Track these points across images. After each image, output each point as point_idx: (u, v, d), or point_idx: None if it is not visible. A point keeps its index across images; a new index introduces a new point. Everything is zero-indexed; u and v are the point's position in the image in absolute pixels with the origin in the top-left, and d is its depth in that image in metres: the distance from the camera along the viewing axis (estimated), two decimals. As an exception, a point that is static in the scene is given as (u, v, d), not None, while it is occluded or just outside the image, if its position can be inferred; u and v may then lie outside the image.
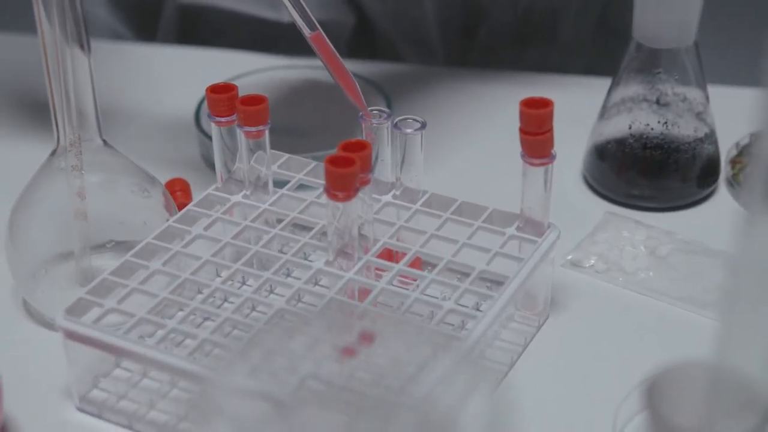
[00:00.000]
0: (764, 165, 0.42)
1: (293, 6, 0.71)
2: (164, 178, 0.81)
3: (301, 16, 0.71)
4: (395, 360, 0.48)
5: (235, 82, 0.90)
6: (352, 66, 0.93)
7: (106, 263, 0.69)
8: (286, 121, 0.88)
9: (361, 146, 0.64)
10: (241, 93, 0.70)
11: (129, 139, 0.87)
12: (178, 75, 0.98)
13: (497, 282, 0.67)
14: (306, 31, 0.71)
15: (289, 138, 0.87)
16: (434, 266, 0.67)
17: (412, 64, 1.02)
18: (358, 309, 0.62)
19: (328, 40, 0.71)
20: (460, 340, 0.60)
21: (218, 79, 0.89)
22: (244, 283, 0.72)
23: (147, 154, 0.84)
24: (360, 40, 1.05)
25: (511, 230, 0.68)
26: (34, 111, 0.90)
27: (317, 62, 0.74)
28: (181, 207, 0.72)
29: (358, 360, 0.48)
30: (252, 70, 0.93)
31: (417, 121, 0.69)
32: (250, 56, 0.98)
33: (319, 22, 0.81)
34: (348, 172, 0.62)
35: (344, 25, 1.03)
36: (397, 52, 1.05)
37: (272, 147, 0.74)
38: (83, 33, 0.65)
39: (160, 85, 0.97)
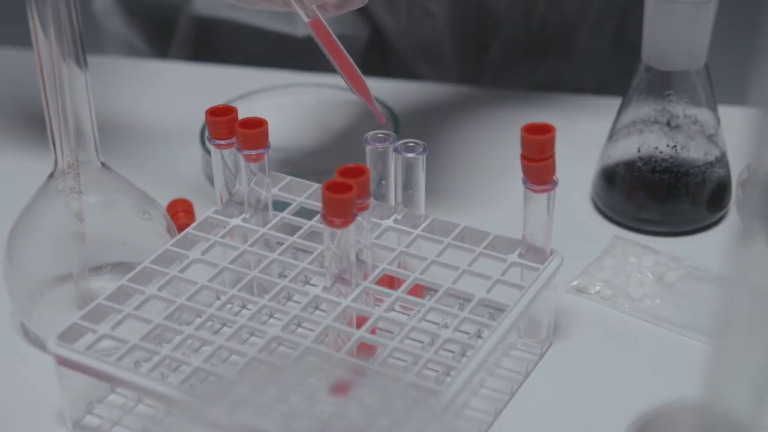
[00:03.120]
0: (762, 185, 0.40)
1: None
2: (169, 197, 0.80)
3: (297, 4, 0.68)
4: (369, 412, 0.47)
5: (242, 102, 0.90)
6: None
7: (105, 285, 0.68)
8: (295, 142, 0.87)
9: (360, 172, 0.63)
10: (249, 112, 0.68)
11: (135, 158, 0.87)
12: (188, 92, 0.98)
13: (499, 309, 0.65)
14: (304, 18, 0.69)
15: (299, 158, 0.86)
16: (436, 293, 0.66)
17: (423, 81, 1.01)
18: (335, 358, 0.61)
19: (328, 27, 0.68)
20: (438, 393, 0.59)
21: (227, 96, 0.89)
22: (244, 307, 0.71)
23: (152, 173, 0.84)
24: (374, 54, 1.04)
25: (512, 257, 0.67)
26: (34, 130, 0.90)
27: (328, 80, 0.72)
28: (183, 228, 0.72)
29: (330, 412, 0.48)
30: (260, 89, 0.92)
31: (419, 144, 0.68)
32: (259, 72, 0.98)
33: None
34: (345, 198, 0.61)
35: (358, 39, 1.02)
36: (410, 66, 1.04)
37: (280, 167, 0.73)
38: (80, 48, 0.64)
39: (168, 102, 0.96)
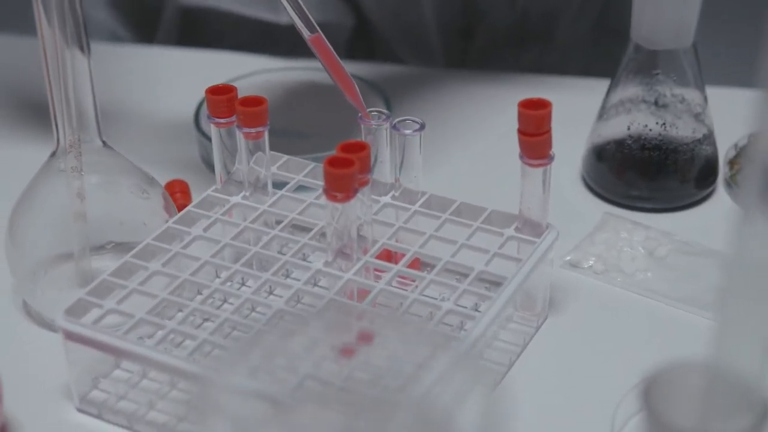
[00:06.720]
0: (760, 163, 0.42)
1: (293, 8, 0.71)
2: (164, 179, 0.81)
3: (300, 19, 0.71)
4: (394, 359, 0.48)
5: (234, 84, 0.90)
6: (351, 67, 0.93)
7: (106, 264, 0.69)
8: (286, 123, 0.88)
9: (360, 147, 0.64)
10: (241, 94, 0.70)
11: (129, 141, 0.87)
12: (177, 77, 0.99)
13: (496, 283, 0.67)
14: (305, 34, 0.71)
15: (289, 140, 0.87)
16: (433, 267, 0.67)
17: (411, 66, 1.02)
18: (356, 309, 0.62)
19: (327, 42, 0.71)
20: (459, 339, 0.60)
21: (217, 80, 0.89)
22: (243, 284, 0.72)
23: (147, 156, 0.84)
24: (359, 41, 1.05)
25: (509, 231, 0.68)
26: (35, 112, 0.90)
27: (316, 64, 0.74)
28: (180, 208, 0.73)
29: (357, 359, 0.48)
30: (251, 72, 0.93)
31: (416, 122, 0.69)
32: (249, 58, 0.99)
33: (318, 24, 0.82)
34: (347, 173, 0.62)
35: (343, 26, 1.03)
36: (395, 53, 1.05)
37: (272, 149, 0.74)
38: (83, 34, 0.65)
39: (160, 87, 0.97)
